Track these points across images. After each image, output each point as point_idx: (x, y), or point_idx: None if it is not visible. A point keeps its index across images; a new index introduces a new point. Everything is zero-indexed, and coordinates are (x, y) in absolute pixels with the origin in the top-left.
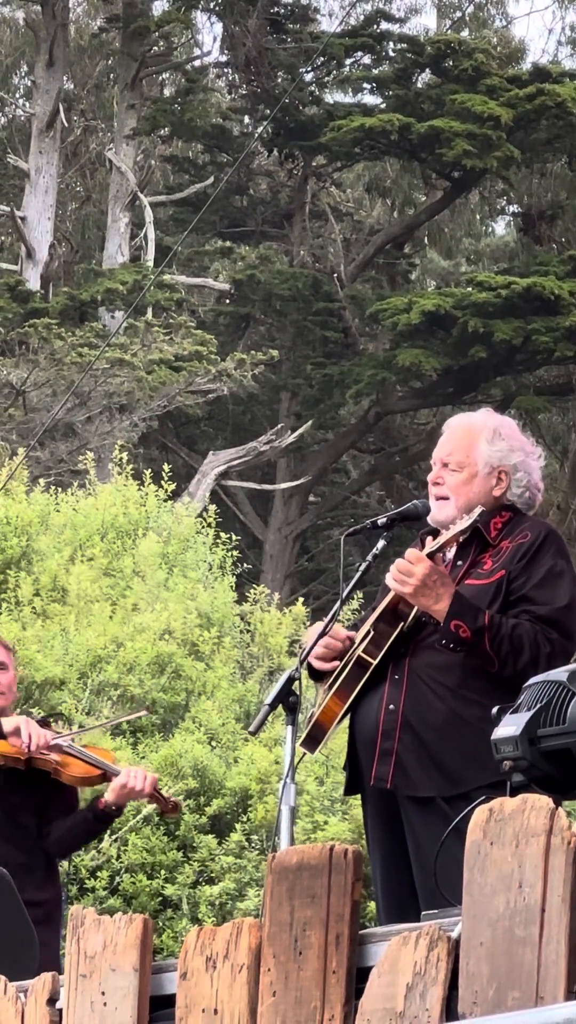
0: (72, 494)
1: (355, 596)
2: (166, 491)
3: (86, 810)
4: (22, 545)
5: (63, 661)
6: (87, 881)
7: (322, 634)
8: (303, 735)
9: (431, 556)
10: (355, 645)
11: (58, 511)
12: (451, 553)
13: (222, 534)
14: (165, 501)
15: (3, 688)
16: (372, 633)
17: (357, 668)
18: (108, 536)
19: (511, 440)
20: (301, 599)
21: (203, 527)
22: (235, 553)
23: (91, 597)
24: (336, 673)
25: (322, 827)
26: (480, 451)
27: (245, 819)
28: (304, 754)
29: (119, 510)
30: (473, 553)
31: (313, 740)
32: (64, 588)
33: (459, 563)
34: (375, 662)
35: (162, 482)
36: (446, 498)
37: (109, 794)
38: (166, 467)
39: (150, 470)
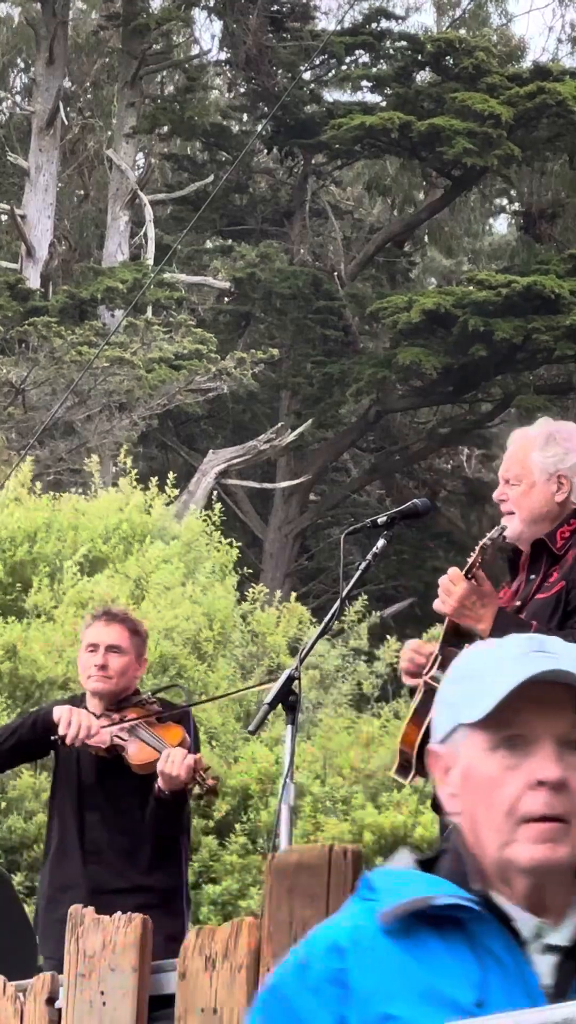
0: (75, 494)
1: (360, 596)
2: (169, 496)
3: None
4: (29, 551)
5: (64, 660)
6: None
7: (322, 632)
8: (395, 765)
9: (469, 574)
10: (426, 669)
11: (55, 518)
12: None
13: (224, 538)
14: (167, 505)
15: (111, 672)
16: (440, 657)
17: (427, 694)
18: (111, 541)
19: (566, 443)
20: (294, 595)
21: (208, 529)
22: (236, 552)
23: (100, 602)
24: (413, 699)
25: (322, 828)
26: (533, 460)
27: (246, 819)
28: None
29: (123, 516)
30: (544, 566)
31: (403, 769)
32: (80, 600)
33: (532, 577)
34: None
35: (166, 488)
36: (512, 513)
37: (159, 779)
38: (171, 476)
39: (156, 478)
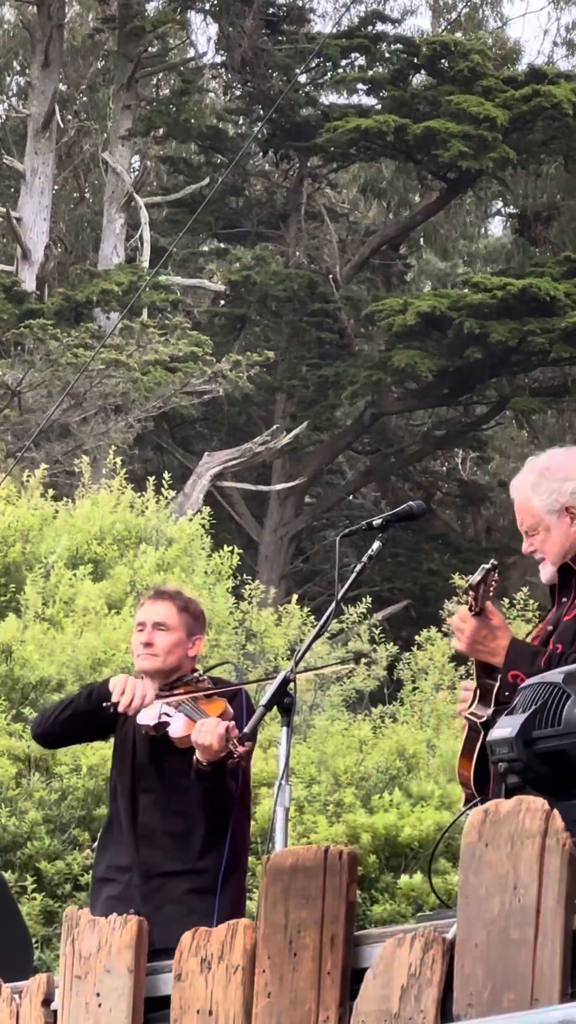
0: (70, 498)
1: (362, 601)
2: (166, 499)
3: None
4: (24, 551)
5: (58, 661)
6: (81, 877)
7: (317, 635)
8: (462, 801)
9: (479, 611)
10: (467, 705)
11: (55, 517)
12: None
13: (219, 542)
14: (165, 507)
15: (157, 650)
16: (479, 691)
17: (471, 731)
18: (105, 541)
19: (558, 474)
20: (295, 597)
21: (203, 535)
22: (236, 558)
23: (94, 607)
24: (461, 736)
25: (314, 829)
26: (536, 506)
27: None
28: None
29: (117, 517)
30: (574, 589)
31: (469, 801)
32: (68, 597)
33: (564, 600)
34: (481, 721)
35: (162, 491)
36: (544, 559)
37: (196, 751)
38: (167, 476)
39: (153, 477)
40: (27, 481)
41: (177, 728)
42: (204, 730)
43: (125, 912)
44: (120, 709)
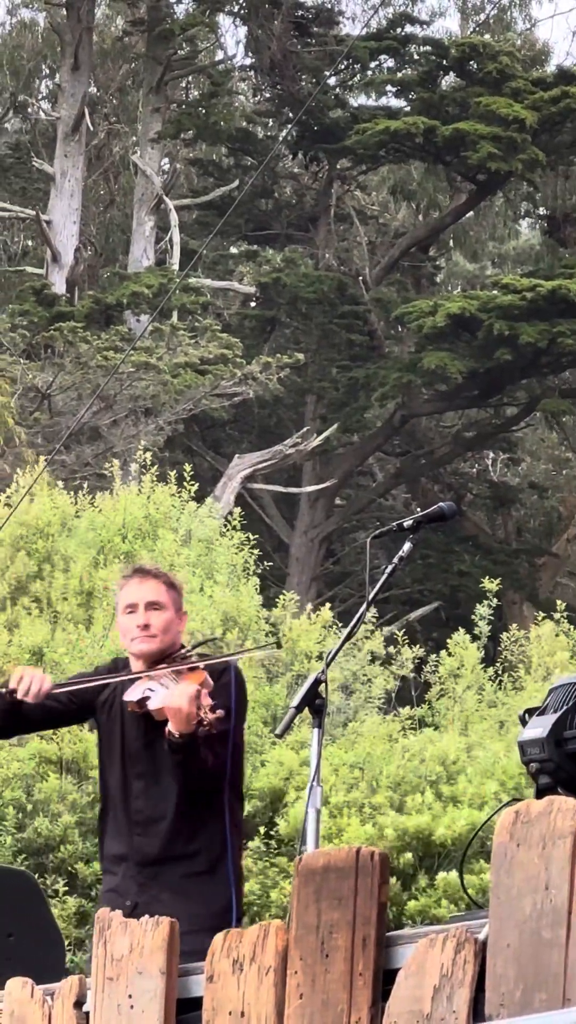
0: (95, 499)
1: (370, 609)
2: (189, 492)
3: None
4: (47, 548)
5: (87, 661)
6: None
7: (348, 636)
8: None
9: None
10: None
11: (78, 517)
12: None
13: (248, 536)
14: (188, 502)
15: (154, 630)
16: None
17: None
18: (129, 536)
19: None
20: (328, 604)
21: (228, 529)
22: (256, 552)
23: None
24: None
25: (344, 830)
26: None
27: (270, 821)
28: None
29: (140, 511)
30: None
31: None
32: (90, 591)
33: None
34: None
35: (184, 483)
36: None
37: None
38: (188, 467)
39: (175, 471)
40: (53, 481)
41: (156, 700)
42: (175, 694)
43: (122, 905)
44: (19, 696)
